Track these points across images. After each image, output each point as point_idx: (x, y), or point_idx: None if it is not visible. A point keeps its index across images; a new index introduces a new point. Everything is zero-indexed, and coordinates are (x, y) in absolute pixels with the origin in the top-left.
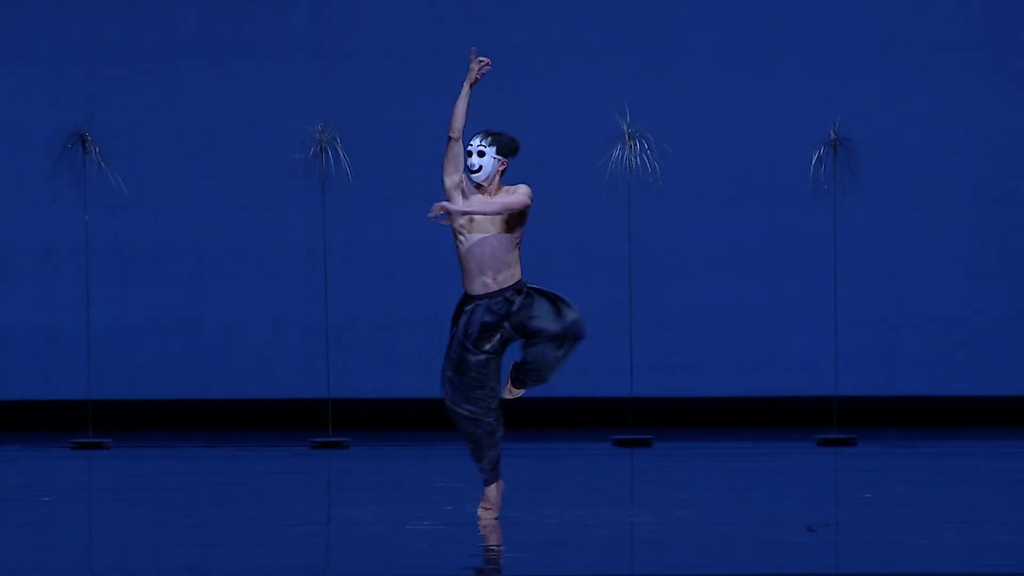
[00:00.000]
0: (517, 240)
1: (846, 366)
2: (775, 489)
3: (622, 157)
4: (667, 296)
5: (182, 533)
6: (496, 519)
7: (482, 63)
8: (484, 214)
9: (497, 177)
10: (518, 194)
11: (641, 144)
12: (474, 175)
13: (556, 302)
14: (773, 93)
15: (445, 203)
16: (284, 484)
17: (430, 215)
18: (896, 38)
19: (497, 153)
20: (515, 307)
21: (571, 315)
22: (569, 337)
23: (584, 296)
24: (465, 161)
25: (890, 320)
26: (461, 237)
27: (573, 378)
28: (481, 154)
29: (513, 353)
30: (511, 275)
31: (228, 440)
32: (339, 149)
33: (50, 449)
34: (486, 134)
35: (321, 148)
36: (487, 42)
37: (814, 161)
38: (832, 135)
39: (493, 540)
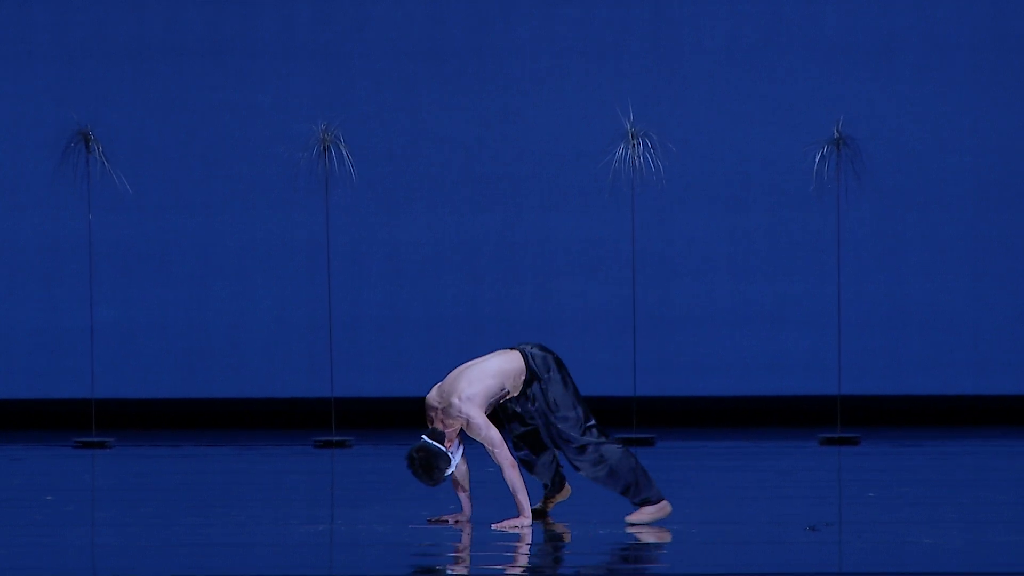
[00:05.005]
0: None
1: (849, 365)
2: (778, 488)
3: (625, 156)
4: (670, 295)
5: (185, 532)
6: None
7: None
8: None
9: (456, 440)
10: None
11: (644, 143)
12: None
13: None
14: (776, 92)
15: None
16: (287, 483)
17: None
18: (899, 38)
19: (439, 469)
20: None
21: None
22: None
23: (587, 296)
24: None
25: (893, 319)
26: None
27: (576, 377)
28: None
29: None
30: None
31: (231, 439)
32: (342, 149)
33: (53, 448)
34: (440, 474)
35: (324, 148)
36: (489, 42)
37: (817, 160)
38: (836, 134)
39: (495, 540)
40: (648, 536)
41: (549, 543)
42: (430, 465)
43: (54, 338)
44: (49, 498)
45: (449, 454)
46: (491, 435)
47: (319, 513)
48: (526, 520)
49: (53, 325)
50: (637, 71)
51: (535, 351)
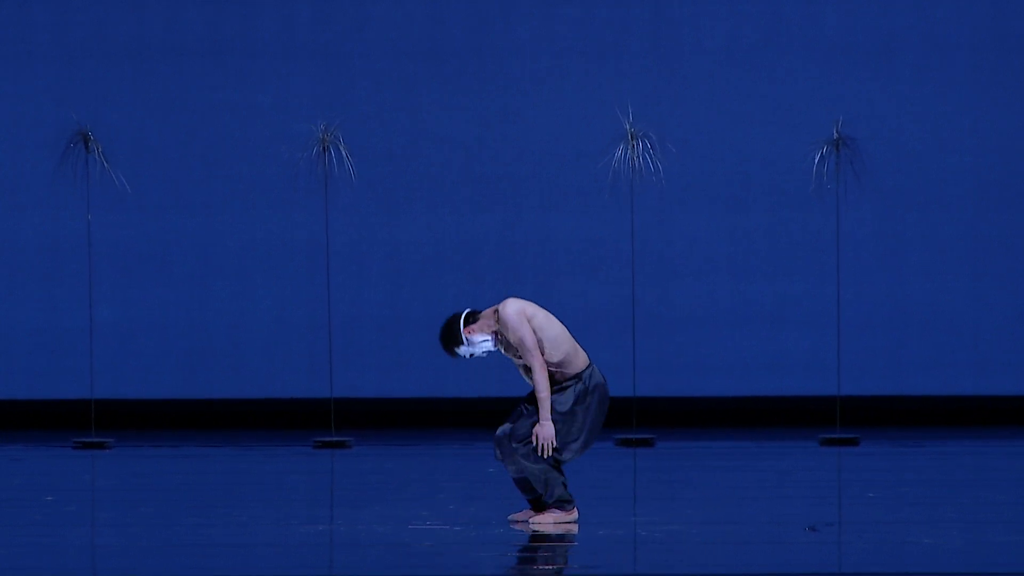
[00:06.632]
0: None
1: (849, 365)
2: (778, 488)
3: (625, 157)
4: (670, 295)
5: (185, 533)
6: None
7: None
8: (529, 359)
9: (486, 332)
10: (511, 331)
11: (644, 144)
12: (490, 349)
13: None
14: (776, 93)
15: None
16: (287, 484)
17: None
18: (899, 38)
19: (470, 345)
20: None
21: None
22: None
23: (587, 296)
24: (480, 353)
25: (893, 319)
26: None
27: None
28: (473, 349)
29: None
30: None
31: (230, 440)
32: (342, 149)
33: (52, 449)
34: (451, 349)
35: (324, 148)
36: (489, 43)
37: (817, 160)
38: (835, 135)
39: (495, 542)
40: (648, 536)
41: (550, 544)
42: (445, 340)
43: (54, 338)
44: (49, 498)
45: (465, 339)
46: (524, 335)
47: (319, 513)
48: (548, 426)
49: (53, 325)
50: (637, 71)
51: (599, 372)
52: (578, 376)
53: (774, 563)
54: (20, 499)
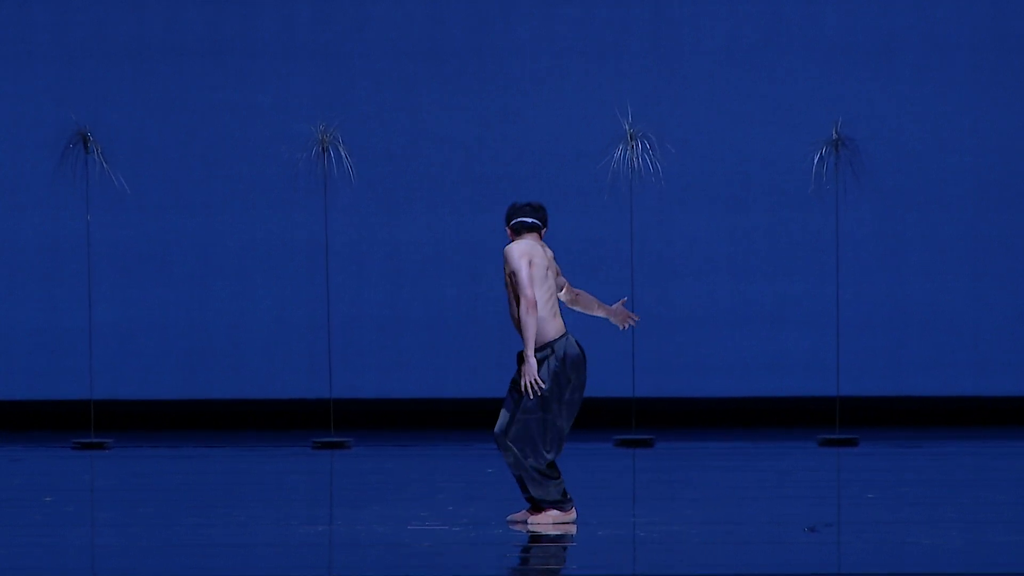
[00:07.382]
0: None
1: (849, 366)
2: (778, 488)
3: (624, 157)
4: (670, 295)
5: (185, 533)
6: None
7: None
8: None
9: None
10: (510, 263)
11: (643, 144)
12: None
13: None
14: (775, 93)
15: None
16: (287, 484)
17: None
18: (899, 38)
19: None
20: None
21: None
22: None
23: None
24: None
25: (893, 319)
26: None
27: None
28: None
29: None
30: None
31: (229, 440)
32: (341, 150)
33: (52, 449)
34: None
35: (323, 148)
36: (489, 43)
37: (816, 161)
38: (834, 135)
39: (497, 540)
40: (647, 536)
41: (549, 544)
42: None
43: (54, 338)
44: (48, 499)
45: (508, 233)
46: (521, 267)
47: (319, 513)
48: (532, 363)
49: (53, 325)
50: (637, 71)
51: (574, 342)
52: (550, 346)
53: (774, 563)
54: (20, 499)
